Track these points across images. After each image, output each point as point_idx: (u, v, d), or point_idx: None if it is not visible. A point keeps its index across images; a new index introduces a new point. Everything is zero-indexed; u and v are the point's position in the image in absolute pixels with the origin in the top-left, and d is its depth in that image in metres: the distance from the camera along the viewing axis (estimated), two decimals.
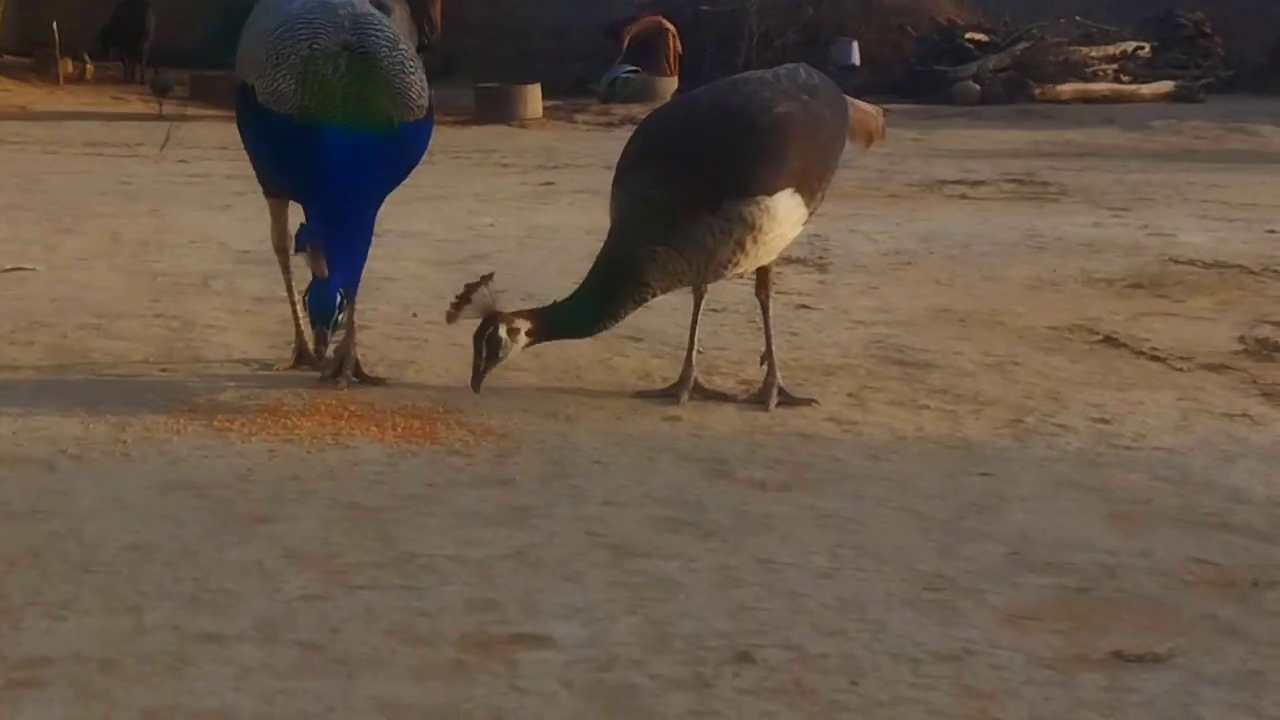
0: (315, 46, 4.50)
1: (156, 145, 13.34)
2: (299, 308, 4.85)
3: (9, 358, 5.04)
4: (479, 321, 4.29)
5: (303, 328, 4.84)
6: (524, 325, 4.34)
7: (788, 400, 4.61)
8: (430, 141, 4.78)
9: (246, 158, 4.98)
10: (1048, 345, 5.64)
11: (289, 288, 4.96)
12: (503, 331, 4.29)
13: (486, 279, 4.32)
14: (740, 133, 4.44)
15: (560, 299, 4.47)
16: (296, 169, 4.56)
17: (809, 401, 4.61)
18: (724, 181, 4.34)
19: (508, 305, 4.41)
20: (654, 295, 4.45)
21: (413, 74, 4.58)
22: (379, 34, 4.59)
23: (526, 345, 4.39)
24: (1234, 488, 3.89)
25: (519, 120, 19.34)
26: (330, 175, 4.45)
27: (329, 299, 4.39)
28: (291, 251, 4.69)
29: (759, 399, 4.62)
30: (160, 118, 16.60)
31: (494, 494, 3.70)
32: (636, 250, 4.35)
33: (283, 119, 4.50)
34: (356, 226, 4.55)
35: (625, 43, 23.14)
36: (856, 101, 5.21)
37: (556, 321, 4.41)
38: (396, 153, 4.60)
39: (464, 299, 4.29)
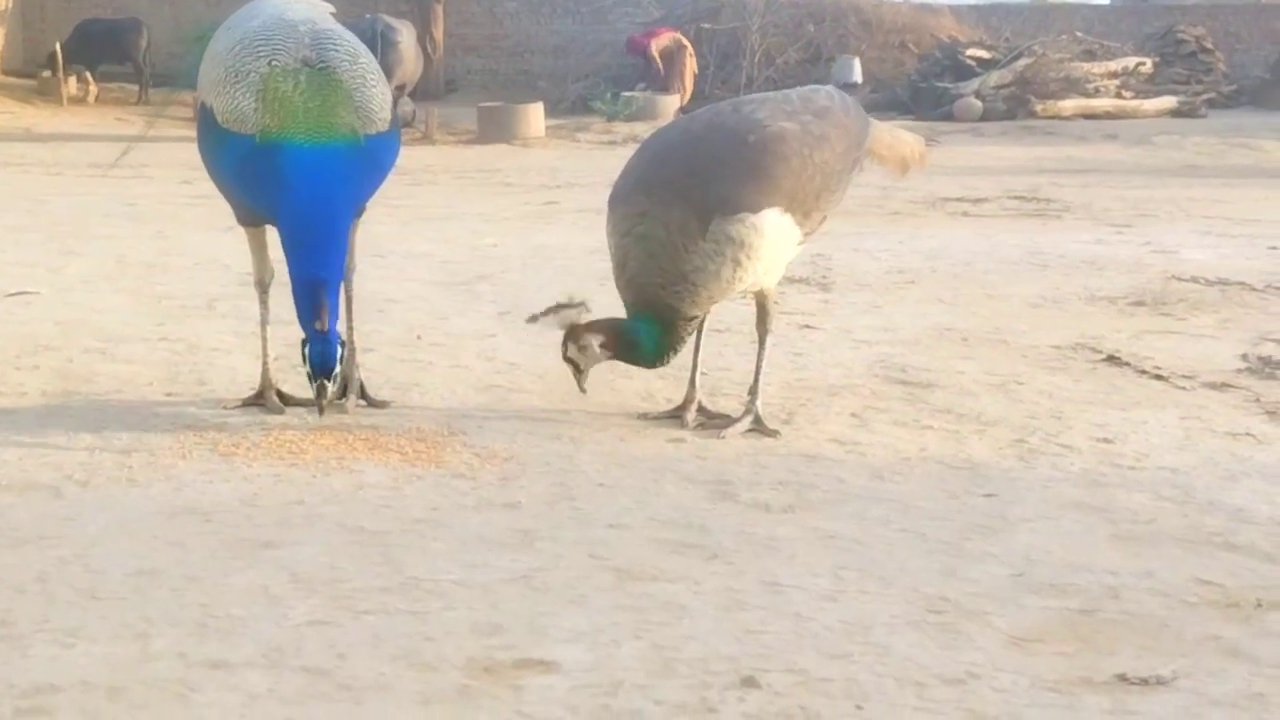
0: (274, 63, 4.41)
1: (116, 157, 13.46)
2: (268, 345, 4.81)
3: (14, 382, 5.06)
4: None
5: (269, 367, 4.80)
6: (595, 340, 4.43)
7: (758, 429, 4.59)
8: (398, 157, 4.71)
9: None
10: (1051, 364, 5.65)
11: (263, 323, 4.85)
12: (571, 353, 4.47)
13: (581, 306, 4.47)
14: (726, 151, 4.46)
15: (624, 319, 4.49)
16: (262, 190, 4.44)
17: (775, 433, 4.58)
18: (709, 202, 4.35)
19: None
20: (699, 321, 4.58)
21: (374, 87, 4.51)
22: (338, 49, 4.50)
23: (609, 357, 4.50)
24: (1237, 507, 3.90)
25: (522, 139, 19.38)
26: (296, 192, 4.35)
27: (332, 353, 4.35)
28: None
29: (729, 424, 4.62)
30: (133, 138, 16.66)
31: (499, 517, 3.71)
32: (664, 293, 4.38)
33: (245, 141, 4.39)
34: (330, 242, 4.40)
35: (658, 58, 23.35)
36: (895, 129, 5.23)
37: (629, 341, 4.46)
38: (363, 165, 4.49)
39: (552, 311, 4.46)
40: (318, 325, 4.31)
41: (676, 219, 4.33)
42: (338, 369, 4.42)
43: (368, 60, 4.57)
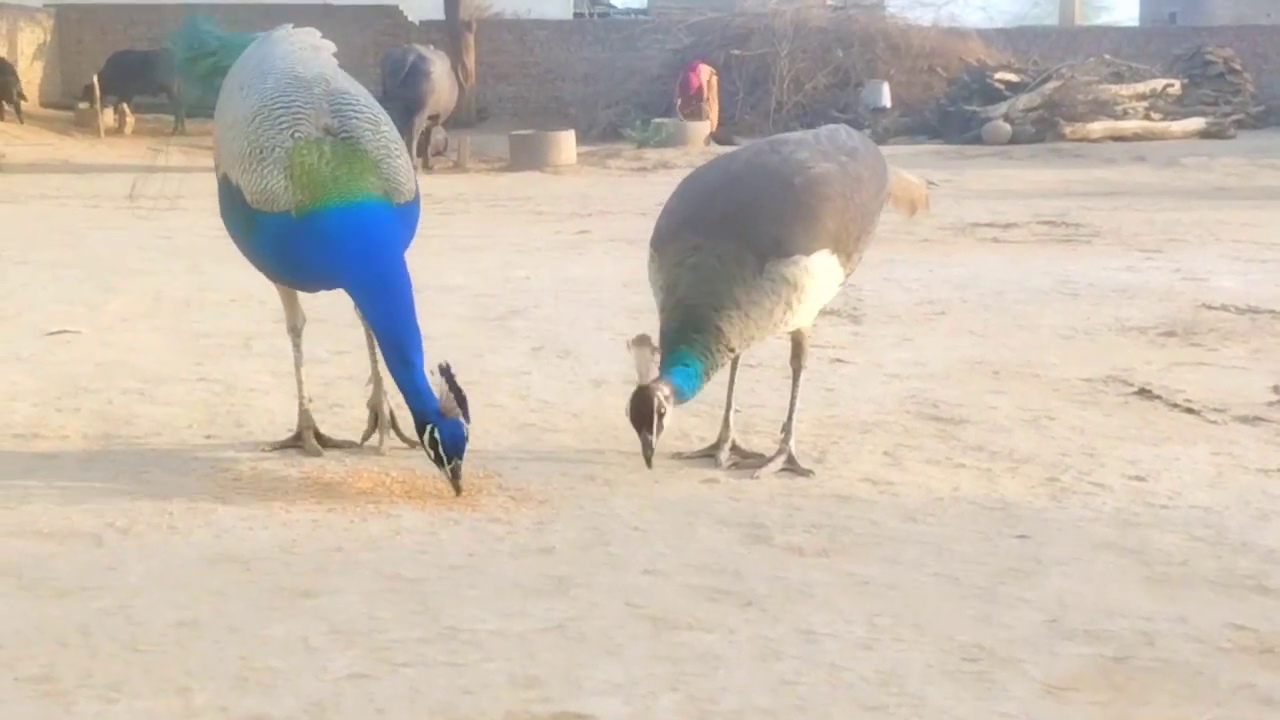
0: (298, 135, 4.37)
1: (140, 196, 13.73)
2: (304, 386, 4.85)
3: (56, 425, 5.12)
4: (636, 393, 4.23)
5: (308, 408, 4.83)
6: (665, 389, 4.25)
7: (791, 469, 4.61)
8: (418, 224, 4.66)
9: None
10: (1082, 398, 5.66)
11: (298, 365, 4.88)
12: (664, 399, 4.22)
13: (647, 342, 4.22)
14: (772, 192, 4.50)
15: (663, 359, 4.32)
16: (309, 262, 4.43)
17: (808, 472, 4.58)
18: (763, 242, 4.38)
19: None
20: (731, 359, 4.50)
21: (398, 158, 4.49)
22: (359, 115, 4.47)
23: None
24: (1270, 548, 3.89)
25: (553, 166, 19.48)
26: (348, 249, 4.32)
27: (462, 433, 4.22)
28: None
29: (763, 463, 4.63)
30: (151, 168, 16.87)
31: (534, 563, 3.73)
32: (714, 314, 4.33)
33: (279, 220, 4.36)
34: (400, 289, 4.37)
35: (707, 87, 23.78)
36: (901, 171, 5.28)
37: (679, 386, 4.31)
38: (396, 226, 4.44)
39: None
40: (447, 412, 4.19)
41: (731, 254, 4.35)
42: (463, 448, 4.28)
43: (389, 128, 4.56)
